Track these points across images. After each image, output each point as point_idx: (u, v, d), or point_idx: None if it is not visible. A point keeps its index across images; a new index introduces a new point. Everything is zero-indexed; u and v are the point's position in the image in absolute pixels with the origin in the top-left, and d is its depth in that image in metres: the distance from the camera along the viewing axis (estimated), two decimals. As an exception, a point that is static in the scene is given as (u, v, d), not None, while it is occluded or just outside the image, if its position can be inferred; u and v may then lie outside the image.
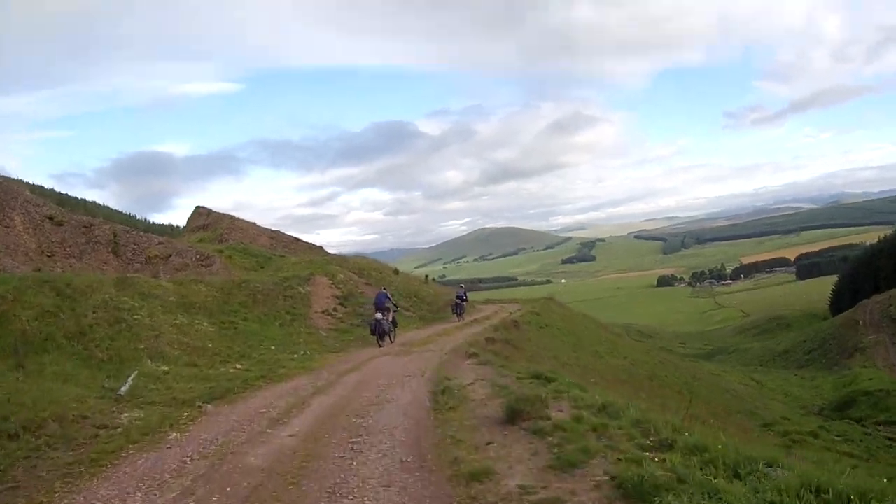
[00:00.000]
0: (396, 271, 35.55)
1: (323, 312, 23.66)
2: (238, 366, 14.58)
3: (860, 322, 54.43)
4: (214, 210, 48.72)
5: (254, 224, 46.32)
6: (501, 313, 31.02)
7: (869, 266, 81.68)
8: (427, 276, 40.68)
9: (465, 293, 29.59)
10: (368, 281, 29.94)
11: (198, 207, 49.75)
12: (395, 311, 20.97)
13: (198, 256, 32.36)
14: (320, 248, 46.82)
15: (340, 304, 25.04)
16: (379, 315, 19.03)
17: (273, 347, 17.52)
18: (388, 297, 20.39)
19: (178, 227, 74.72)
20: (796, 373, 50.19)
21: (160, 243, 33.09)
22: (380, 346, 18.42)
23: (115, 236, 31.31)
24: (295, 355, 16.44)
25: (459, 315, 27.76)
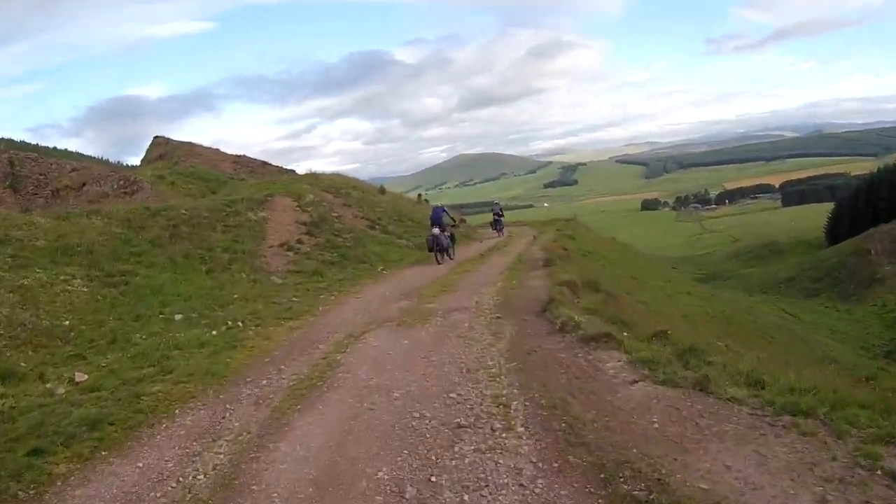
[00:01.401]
0: (383, 190, 27.95)
1: (281, 246, 16.17)
2: (82, 375, 7.05)
3: (872, 251, 50.85)
4: (174, 139, 41.79)
5: (216, 150, 39.46)
6: (521, 239, 24.62)
7: (868, 195, 77.91)
8: (420, 195, 32.94)
9: (501, 209, 28.44)
10: (348, 202, 22.50)
11: (156, 138, 43.19)
12: (453, 227, 20.02)
13: (121, 183, 25.22)
14: (291, 171, 39.20)
15: (308, 233, 17.57)
16: (436, 230, 17.60)
17: (180, 316, 9.95)
18: (445, 211, 19.23)
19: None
20: (826, 304, 45.59)
21: (74, 170, 25.58)
22: (438, 263, 16.86)
23: (12, 166, 23.85)
24: (214, 332, 9.00)
25: (500, 230, 27.01)
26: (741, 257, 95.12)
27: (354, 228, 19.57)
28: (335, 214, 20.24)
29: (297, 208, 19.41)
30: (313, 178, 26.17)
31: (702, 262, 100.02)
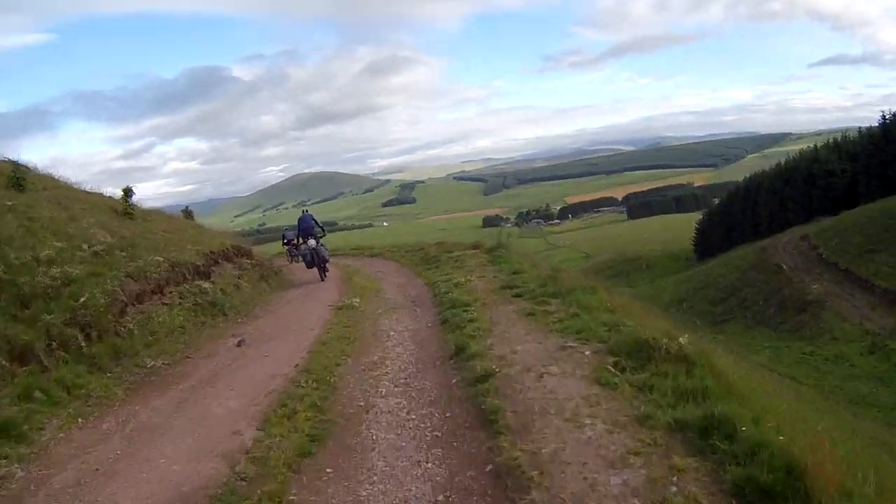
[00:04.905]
0: (125, 208, 13.14)
1: None
2: None
3: (785, 267, 43.70)
4: None
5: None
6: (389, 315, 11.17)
7: (746, 203, 73.59)
8: (189, 210, 17.48)
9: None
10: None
11: None
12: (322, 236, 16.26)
13: None
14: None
15: None
16: (312, 242, 15.28)
17: None
18: (314, 219, 16.13)
19: None
20: (766, 343, 34.49)
21: None
22: (322, 280, 14.99)
23: None
24: None
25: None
26: (601, 274, 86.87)
27: None
28: None
29: None
30: None
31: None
